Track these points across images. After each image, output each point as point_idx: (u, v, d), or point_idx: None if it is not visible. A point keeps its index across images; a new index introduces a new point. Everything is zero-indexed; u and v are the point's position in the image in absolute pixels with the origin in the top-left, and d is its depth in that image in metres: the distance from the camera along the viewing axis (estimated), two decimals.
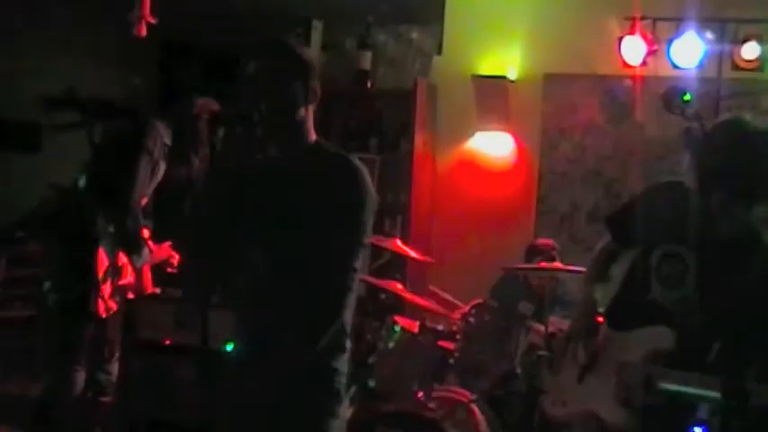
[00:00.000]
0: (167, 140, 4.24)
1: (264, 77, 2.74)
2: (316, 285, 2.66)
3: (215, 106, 4.24)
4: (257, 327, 2.77)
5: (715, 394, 2.61)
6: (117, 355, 4.42)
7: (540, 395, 4.60)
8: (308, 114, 2.81)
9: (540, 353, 4.70)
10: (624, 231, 3.28)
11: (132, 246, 4.15)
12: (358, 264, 2.72)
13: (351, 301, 2.75)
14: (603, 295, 3.37)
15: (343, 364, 2.78)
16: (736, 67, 5.70)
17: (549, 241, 5.80)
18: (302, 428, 2.73)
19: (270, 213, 2.74)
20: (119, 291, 4.24)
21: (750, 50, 5.59)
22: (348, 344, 2.80)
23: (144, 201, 4.24)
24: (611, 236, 3.37)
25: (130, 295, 4.36)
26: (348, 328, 2.79)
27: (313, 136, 2.84)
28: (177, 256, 4.53)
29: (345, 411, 2.85)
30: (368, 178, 2.74)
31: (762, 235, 3.01)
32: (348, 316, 2.76)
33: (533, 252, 5.79)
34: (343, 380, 2.78)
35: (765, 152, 2.91)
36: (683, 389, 2.88)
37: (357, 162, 2.75)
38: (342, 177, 2.70)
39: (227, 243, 2.77)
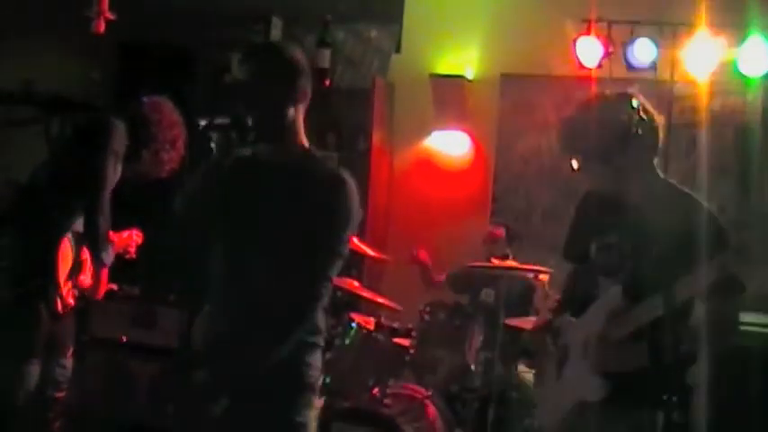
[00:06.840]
0: (126, 140, 4.24)
1: (252, 80, 2.82)
2: (290, 290, 2.72)
3: (167, 107, 4.26)
4: (231, 324, 2.83)
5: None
6: (71, 351, 4.41)
7: (533, 410, 4.64)
8: (298, 115, 2.87)
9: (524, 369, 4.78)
10: (579, 255, 3.35)
11: (101, 243, 4.14)
12: (334, 273, 2.80)
13: (322, 305, 2.82)
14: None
15: (316, 358, 2.87)
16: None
17: (501, 232, 5.85)
18: (279, 419, 2.80)
19: (253, 215, 2.81)
20: (77, 287, 4.23)
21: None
22: (321, 341, 2.90)
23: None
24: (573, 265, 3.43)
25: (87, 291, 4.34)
26: (322, 327, 2.89)
27: (304, 141, 2.90)
28: (136, 243, 4.54)
29: (318, 402, 2.98)
30: (356, 194, 2.80)
31: (676, 188, 3.07)
32: (320, 316, 2.85)
33: (486, 240, 5.86)
34: (317, 373, 2.88)
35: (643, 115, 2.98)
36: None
37: (347, 177, 2.81)
38: (331, 191, 2.76)
39: (208, 240, 2.87)
